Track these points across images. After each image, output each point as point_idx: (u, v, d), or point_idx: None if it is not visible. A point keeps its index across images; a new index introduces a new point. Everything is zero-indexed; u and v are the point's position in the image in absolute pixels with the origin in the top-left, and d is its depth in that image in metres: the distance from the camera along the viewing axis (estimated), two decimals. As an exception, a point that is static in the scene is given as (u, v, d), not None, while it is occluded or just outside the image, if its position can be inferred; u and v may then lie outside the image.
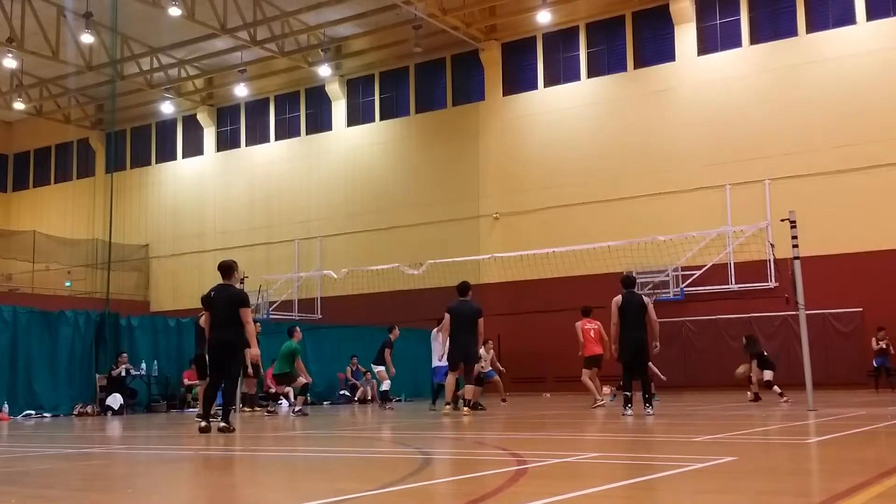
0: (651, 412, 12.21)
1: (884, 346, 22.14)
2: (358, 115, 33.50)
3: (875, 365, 22.29)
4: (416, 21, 28.69)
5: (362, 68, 33.31)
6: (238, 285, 18.65)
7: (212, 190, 36.61)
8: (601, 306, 15.11)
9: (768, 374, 17.25)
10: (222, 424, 10.56)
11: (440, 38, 29.99)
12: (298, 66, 32.98)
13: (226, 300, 10.61)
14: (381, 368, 18.53)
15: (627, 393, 12.56)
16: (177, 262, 37.04)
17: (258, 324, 20.14)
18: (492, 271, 26.08)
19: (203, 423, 10.61)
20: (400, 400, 23.83)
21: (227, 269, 10.92)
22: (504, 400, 19.27)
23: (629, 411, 12.22)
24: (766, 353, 17.66)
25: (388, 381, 18.67)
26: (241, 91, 34.19)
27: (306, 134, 34.70)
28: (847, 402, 15.54)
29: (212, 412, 11.12)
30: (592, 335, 16.61)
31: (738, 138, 25.94)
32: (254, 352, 10.86)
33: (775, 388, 17.05)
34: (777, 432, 9.26)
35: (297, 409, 16.42)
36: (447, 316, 14.16)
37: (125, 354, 19.23)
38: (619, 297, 12.92)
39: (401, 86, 32.77)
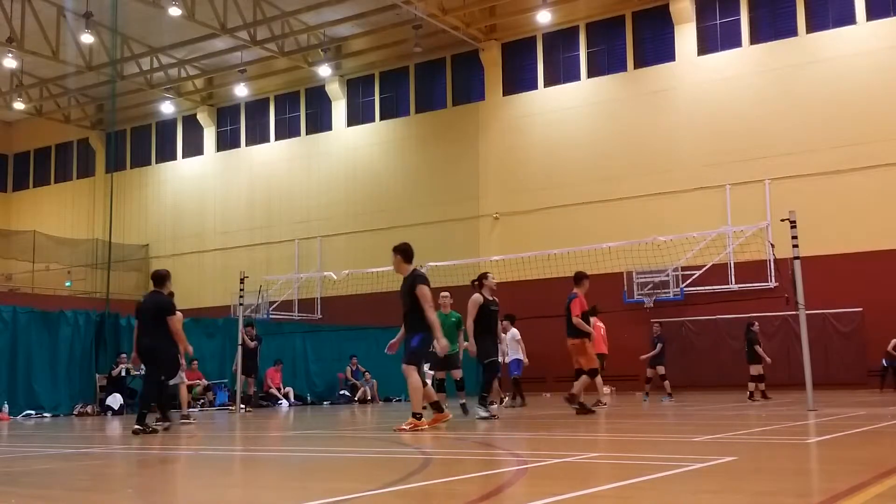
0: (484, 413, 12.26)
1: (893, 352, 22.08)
2: (358, 115, 33.50)
3: (884, 364, 22.17)
4: (416, 21, 28.69)
5: (362, 68, 33.31)
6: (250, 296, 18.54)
7: (212, 190, 36.62)
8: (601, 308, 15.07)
9: (756, 369, 17.80)
10: (137, 427, 10.81)
11: (440, 38, 30.00)
12: (298, 66, 32.99)
13: (153, 308, 11.30)
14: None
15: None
16: (177, 262, 36.96)
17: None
18: (491, 272, 26.03)
19: (145, 427, 10.86)
20: (400, 400, 23.82)
21: (159, 278, 11.68)
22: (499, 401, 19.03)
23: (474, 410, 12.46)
24: (754, 347, 17.92)
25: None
26: (241, 91, 34.19)
27: (306, 134, 34.70)
28: (847, 402, 15.54)
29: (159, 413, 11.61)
30: (603, 333, 16.70)
31: (738, 138, 25.94)
32: (188, 348, 11.65)
33: (758, 385, 17.60)
34: (777, 432, 9.26)
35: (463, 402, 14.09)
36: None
37: (124, 355, 19.23)
38: (479, 297, 12.82)
39: (401, 86, 32.77)
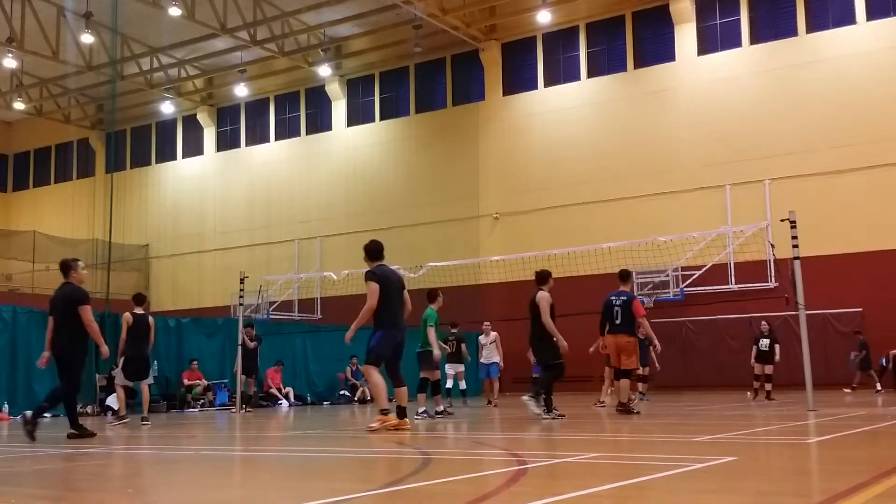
0: (547, 416, 11.69)
1: None
2: (358, 115, 33.50)
3: (882, 364, 22.05)
4: (416, 21, 28.69)
5: (362, 68, 33.31)
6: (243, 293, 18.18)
7: (212, 190, 36.62)
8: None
9: (767, 369, 18.25)
10: (71, 431, 10.22)
11: (440, 38, 30.00)
12: (298, 66, 32.99)
13: (63, 299, 10.39)
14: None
15: (546, 395, 12.14)
16: (177, 262, 37.04)
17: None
18: (491, 272, 26.08)
19: (72, 430, 10.31)
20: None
21: (63, 266, 10.72)
22: (491, 403, 18.90)
23: (540, 411, 11.87)
24: (761, 346, 18.46)
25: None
26: (241, 91, 34.19)
27: (306, 134, 34.70)
28: (847, 402, 15.54)
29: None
30: None
31: (738, 138, 25.94)
32: (104, 350, 10.47)
33: (763, 385, 17.92)
34: (777, 432, 9.26)
35: (438, 409, 13.38)
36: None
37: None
38: (549, 295, 12.28)
39: (401, 86, 32.77)
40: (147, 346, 14.16)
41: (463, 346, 18.72)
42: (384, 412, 10.08)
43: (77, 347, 10.32)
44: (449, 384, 19.13)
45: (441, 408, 13.55)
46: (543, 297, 12.19)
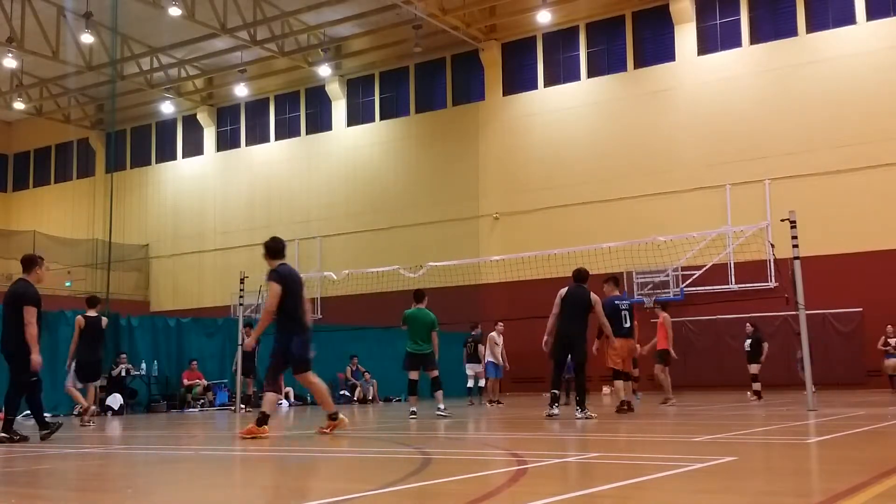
0: (581, 416, 11.50)
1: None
2: (358, 115, 33.50)
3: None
4: (416, 21, 28.69)
5: (362, 68, 33.31)
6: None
7: (212, 190, 36.62)
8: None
9: (753, 368, 18.35)
10: (3, 435, 9.68)
11: (440, 38, 30.00)
12: (298, 66, 32.99)
13: (13, 296, 9.89)
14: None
15: (554, 391, 12.20)
16: (177, 262, 37.04)
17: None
18: (491, 272, 26.12)
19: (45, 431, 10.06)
20: (400, 400, 23.83)
21: (24, 262, 10.21)
22: (493, 402, 18.83)
23: (555, 410, 11.87)
24: (748, 347, 18.64)
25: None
26: (241, 91, 34.19)
27: (306, 134, 34.70)
28: (847, 402, 15.54)
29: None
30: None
31: (738, 138, 25.94)
32: (35, 358, 9.63)
33: (754, 384, 18.01)
34: (777, 432, 9.26)
35: (440, 408, 13.24)
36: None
37: (124, 355, 19.27)
38: (563, 290, 12.36)
39: (401, 86, 32.77)
40: (100, 349, 14.16)
41: (481, 346, 18.89)
42: (333, 417, 9.85)
43: (26, 346, 9.80)
44: (471, 384, 19.36)
45: (415, 408, 13.46)
46: (598, 298, 12.31)
